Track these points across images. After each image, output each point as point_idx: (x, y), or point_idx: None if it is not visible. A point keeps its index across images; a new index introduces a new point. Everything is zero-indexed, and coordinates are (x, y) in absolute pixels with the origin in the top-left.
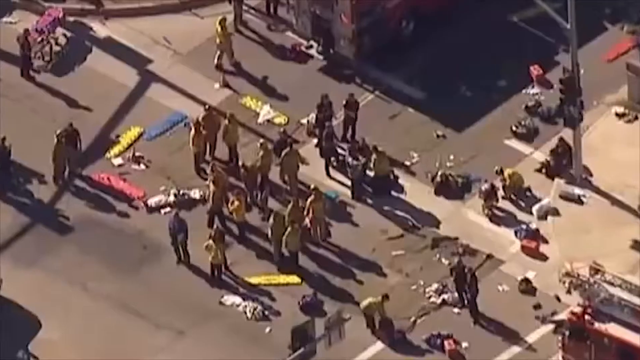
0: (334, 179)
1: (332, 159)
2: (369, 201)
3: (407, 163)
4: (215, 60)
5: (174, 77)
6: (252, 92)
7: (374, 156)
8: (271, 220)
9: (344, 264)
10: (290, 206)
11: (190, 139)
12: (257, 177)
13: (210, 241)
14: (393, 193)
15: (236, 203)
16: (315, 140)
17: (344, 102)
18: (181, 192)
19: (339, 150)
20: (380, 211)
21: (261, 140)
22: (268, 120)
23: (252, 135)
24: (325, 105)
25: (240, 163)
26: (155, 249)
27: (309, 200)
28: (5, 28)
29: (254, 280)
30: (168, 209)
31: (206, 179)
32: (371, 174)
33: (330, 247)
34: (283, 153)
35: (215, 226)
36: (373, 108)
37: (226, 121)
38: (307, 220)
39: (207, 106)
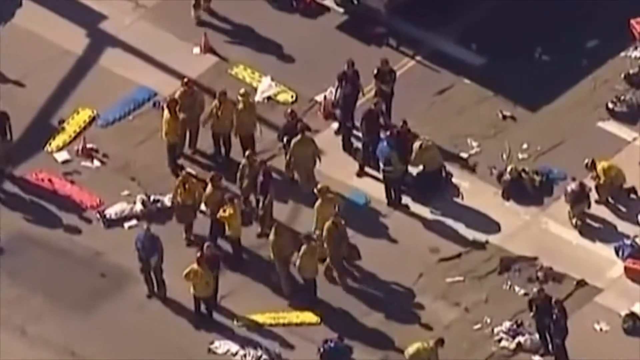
0: (365, 175)
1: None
2: (412, 208)
3: (464, 155)
4: (193, 12)
5: (137, 39)
6: (247, 58)
7: (417, 146)
8: (272, 235)
9: (380, 296)
10: None
11: (163, 125)
12: (258, 174)
13: (195, 265)
14: (445, 197)
15: (229, 211)
16: (335, 125)
17: (375, 71)
18: (151, 198)
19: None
20: (427, 222)
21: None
22: (269, 98)
23: None
24: (349, 76)
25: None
26: (117, 277)
27: (315, 206)
28: None
29: (256, 319)
30: (134, 221)
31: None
32: (414, 171)
33: (360, 272)
34: (292, 142)
35: (205, 246)
36: (414, 79)
37: (215, 101)
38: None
39: (184, 79)
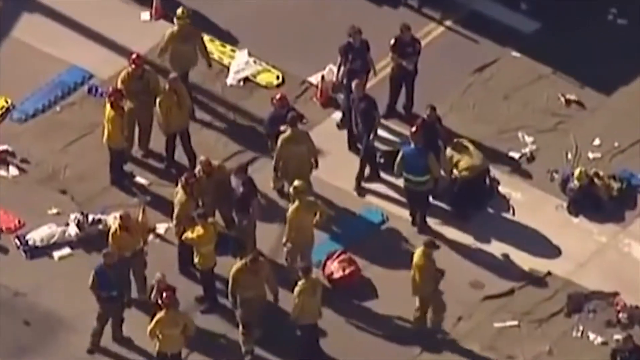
0: (380, 180)
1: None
2: (446, 228)
3: (514, 155)
4: None
5: (67, 2)
6: (213, 26)
7: (451, 145)
8: (244, 269)
9: (407, 346)
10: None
11: (105, 119)
12: (223, 184)
13: (161, 314)
14: (489, 211)
15: (198, 231)
16: (337, 115)
17: (392, 41)
18: (89, 217)
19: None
20: (467, 248)
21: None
22: (246, 79)
23: (218, 107)
24: (356, 48)
25: (200, 163)
26: (46, 325)
27: (289, 212)
28: None
29: None
30: (67, 250)
31: (135, 194)
32: (446, 176)
33: (378, 315)
34: (280, 139)
35: (156, 281)
36: (443, 53)
37: (166, 85)
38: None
39: (132, 55)
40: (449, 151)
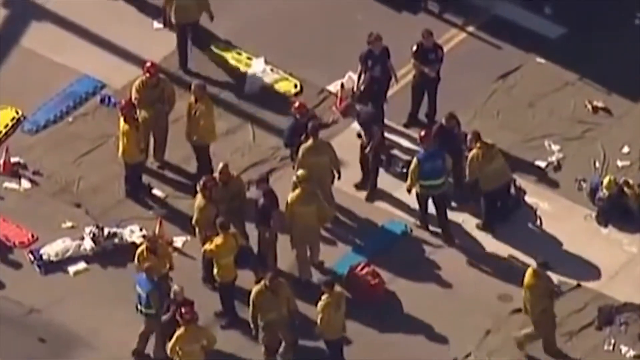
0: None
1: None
2: (473, 240)
3: (540, 164)
4: None
5: (75, 9)
6: (230, 34)
7: (475, 153)
8: (263, 290)
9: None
10: None
11: (120, 131)
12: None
13: (181, 330)
14: (516, 223)
15: (217, 242)
16: (357, 125)
17: (414, 47)
18: (105, 231)
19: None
20: (494, 260)
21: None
22: (263, 88)
23: (235, 116)
24: (377, 55)
25: (219, 170)
26: (62, 342)
27: (289, 199)
28: None
29: None
30: (82, 264)
31: (151, 207)
32: (469, 179)
33: (404, 330)
34: (302, 149)
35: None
36: (465, 59)
37: (192, 98)
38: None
39: (147, 64)
40: (475, 160)
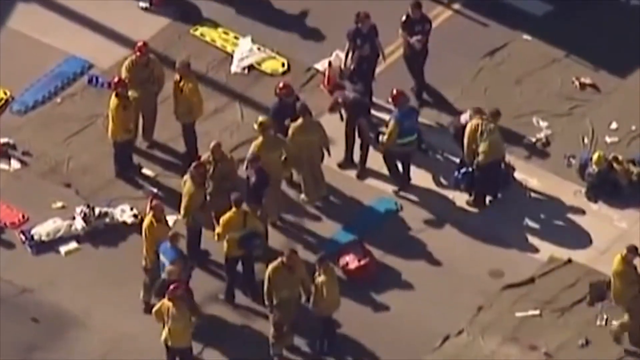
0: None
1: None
2: (460, 216)
3: (529, 140)
4: None
5: None
6: (215, 12)
7: (472, 128)
8: (280, 267)
9: (427, 337)
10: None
11: (110, 111)
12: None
13: (168, 302)
14: (506, 200)
15: (226, 216)
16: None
17: (403, 17)
18: (96, 210)
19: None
20: (483, 235)
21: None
22: (250, 67)
23: (223, 96)
24: (364, 33)
25: (211, 148)
26: (56, 322)
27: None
28: None
29: None
30: (74, 244)
31: (140, 185)
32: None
33: (396, 305)
34: (292, 129)
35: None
36: (452, 37)
37: (177, 76)
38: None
39: (139, 43)
40: (472, 136)
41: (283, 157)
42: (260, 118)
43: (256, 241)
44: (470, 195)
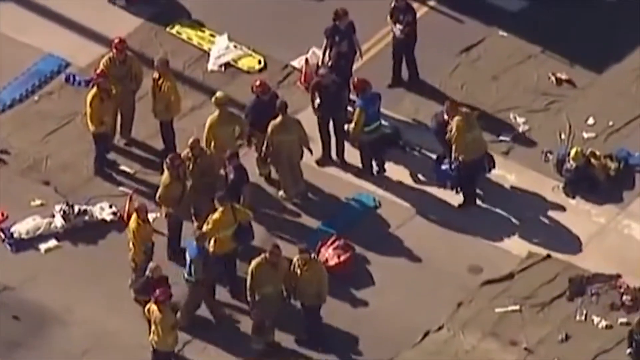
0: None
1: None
2: (438, 212)
3: (505, 137)
4: None
5: None
6: (191, 10)
7: (457, 123)
8: (263, 263)
9: (406, 334)
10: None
11: (87, 107)
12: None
13: (153, 305)
14: (485, 196)
15: (215, 215)
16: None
17: (392, 4)
18: (75, 208)
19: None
20: (462, 230)
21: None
22: (227, 65)
23: (199, 93)
24: (342, 30)
25: (189, 144)
26: (37, 320)
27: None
28: None
29: None
30: (53, 242)
31: (119, 183)
32: (435, 155)
33: (375, 300)
34: (271, 126)
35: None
36: (428, 32)
37: (155, 74)
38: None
39: (116, 40)
40: (456, 130)
41: (263, 154)
42: (217, 94)
43: (249, 231)
44: (457, 192)
